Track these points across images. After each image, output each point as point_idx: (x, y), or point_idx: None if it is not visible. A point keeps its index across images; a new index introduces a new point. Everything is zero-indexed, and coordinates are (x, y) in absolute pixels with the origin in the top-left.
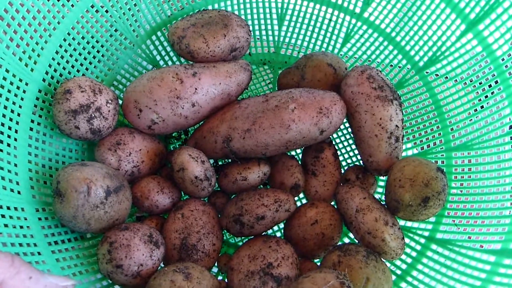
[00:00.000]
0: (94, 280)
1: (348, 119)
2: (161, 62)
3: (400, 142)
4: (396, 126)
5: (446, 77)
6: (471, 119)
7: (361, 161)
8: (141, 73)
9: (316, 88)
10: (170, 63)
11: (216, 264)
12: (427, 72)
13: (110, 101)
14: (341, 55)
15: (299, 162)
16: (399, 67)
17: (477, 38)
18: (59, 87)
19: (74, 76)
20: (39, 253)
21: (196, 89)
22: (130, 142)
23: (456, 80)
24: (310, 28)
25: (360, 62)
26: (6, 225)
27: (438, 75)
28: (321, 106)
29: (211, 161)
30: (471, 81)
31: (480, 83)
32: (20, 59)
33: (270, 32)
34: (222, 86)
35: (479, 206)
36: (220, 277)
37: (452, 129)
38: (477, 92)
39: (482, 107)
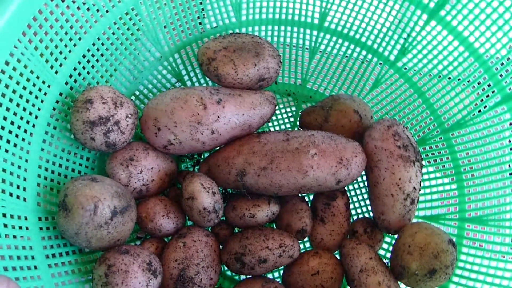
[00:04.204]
0: None
1: (366, 171)
2: (186, 77)
3: (415, 204)
4: (414, 188)
5: (472, 144)
6: (490, 194)
7: (370, 213)
8: (164, 85)
9: (339, 134)
10: (194, 79)
11: None
12: (452, 135)
13: (129, 116)
14: (367, 99)
15: (309, 206)
16: (425, 123)
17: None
18: (80, 94)
19: (98, 83)
20: (35, 267)
21: (218, 117)
22: (143, 159)
23: (481, 149)
24: (341, 66)
25: (386, 111)
26: (7, 236)
27: (463, 140)
28: (342, 156)
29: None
30: (497, 155)
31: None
32: (47, 61)
33: (299, 64)
34: (245, 117)
35: (484, 287)
36: None
37: (469, 198)
38: (501, 167)
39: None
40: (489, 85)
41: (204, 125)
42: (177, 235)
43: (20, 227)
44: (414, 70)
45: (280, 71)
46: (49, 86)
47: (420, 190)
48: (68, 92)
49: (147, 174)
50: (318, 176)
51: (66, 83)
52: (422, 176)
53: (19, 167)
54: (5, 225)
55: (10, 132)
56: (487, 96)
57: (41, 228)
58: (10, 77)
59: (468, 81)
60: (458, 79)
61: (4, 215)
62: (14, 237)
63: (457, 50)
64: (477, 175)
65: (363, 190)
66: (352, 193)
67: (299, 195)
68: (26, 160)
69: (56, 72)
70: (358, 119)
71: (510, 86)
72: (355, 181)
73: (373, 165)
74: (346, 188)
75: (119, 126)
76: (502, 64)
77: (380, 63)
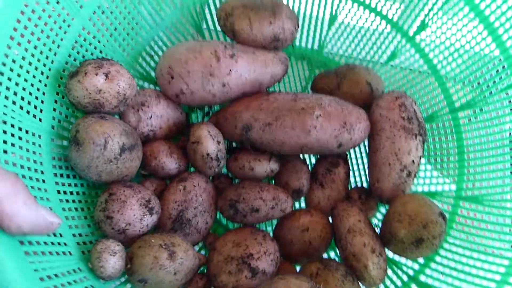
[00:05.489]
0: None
1: (369, 139)
2: (206, 32)
3: (412, 177)
4: (412, 161)
5: (478, 125)
6: (490, 175)
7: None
8: (182, 34)
9: (347, 101)
10: (213, 33)
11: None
12: (461, 114)
13: (117, 105)
14: (382, 72)
15: (309, 169)
16: (435, 101)
17: None
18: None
19: (120, 24)
20: (43, 181)
21: (230, 70)
22: (154, 106)
23: (486, 131)
24: (359, 36)
25: (398, 85)
26: (21, 147)
27: (470, 120)
28: (346, 120)
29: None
30: (503, 144)
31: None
32: None
33: (318, 30)
34: (256, 74)
35: (469, 262)
36: (203, 252)
37: (468, 178)
38: (504, 149)
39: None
40: (503, 67)
41: (216, 77)
42: (178, 179)
43: (34, 143)
44: (431, 46)
45: (296, 34)
46: (73, 19)
47: (419, 165)
48: (90, 28)
49: (156, 120)
50: (320, 138)
51: (89, 19)
52: (423, 151)
53: (37, 90)
54: (20, 138)
55: (32, 55)
56: (500, 78)
57: (52, 149)
58: (37, 2)
59: (484, 61)
60: (474, 59)
61: (20, 129)
62: (27, 150)
63: (477, 29)
64: (480, 155)
65: (365, 161)
66: (354, 161)
67: (301, 157)
68: (45, 85)
69: (81, 7)
70: (369, 90)
71: None
72: (358, 152)
73: (375, 133)
74: (349, 157)
75: (106, 108)
76: None
77: (398, 37)
